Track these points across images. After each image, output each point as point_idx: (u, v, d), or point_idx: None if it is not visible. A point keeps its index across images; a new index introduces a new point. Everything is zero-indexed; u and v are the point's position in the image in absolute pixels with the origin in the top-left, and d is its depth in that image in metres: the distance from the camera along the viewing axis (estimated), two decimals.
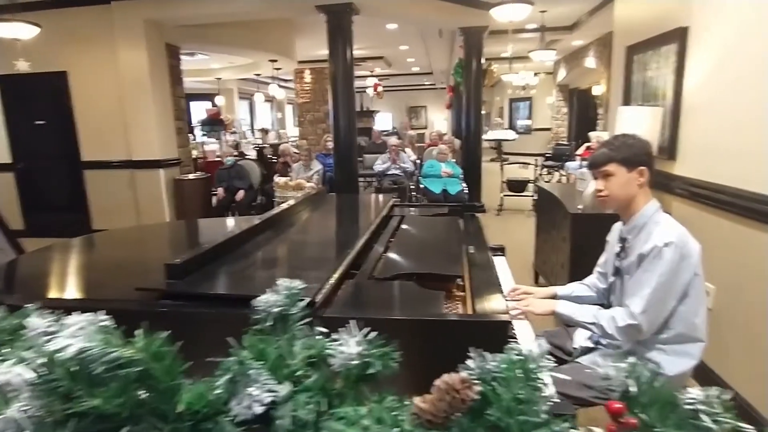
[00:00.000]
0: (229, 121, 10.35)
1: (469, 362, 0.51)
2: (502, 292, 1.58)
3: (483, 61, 7.14)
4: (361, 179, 7.50)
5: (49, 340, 0.54)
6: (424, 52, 10.75)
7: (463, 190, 6.55)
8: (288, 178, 6.33)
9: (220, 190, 6.29)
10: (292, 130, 15.31)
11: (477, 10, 6.35)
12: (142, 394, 0.48)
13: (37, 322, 0.54)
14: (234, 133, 11.06)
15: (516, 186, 7.37)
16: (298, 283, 0.59)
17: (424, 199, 6.53)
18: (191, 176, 6.28)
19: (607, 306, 1.85)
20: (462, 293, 1.64)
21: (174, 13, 5.58)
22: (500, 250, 2.37)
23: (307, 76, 11.38)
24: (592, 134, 8.47)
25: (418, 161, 8.04)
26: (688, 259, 1.54)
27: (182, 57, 6.56)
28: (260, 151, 8.80)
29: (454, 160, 7.09)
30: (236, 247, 1.67)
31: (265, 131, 13.68)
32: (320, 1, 5.38)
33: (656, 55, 3.06)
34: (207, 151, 7.55)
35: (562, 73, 12.06)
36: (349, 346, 0.47)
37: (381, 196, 3.37)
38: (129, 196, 5.98)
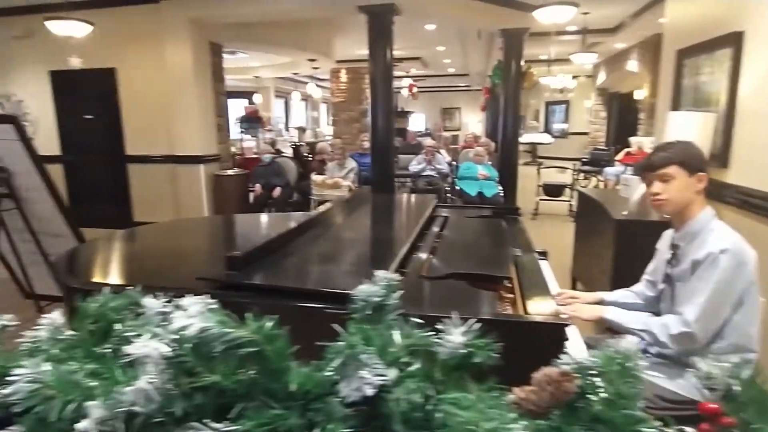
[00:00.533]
0: (266, 118, 10.55)
1: (563, 357, 0.52)
2: (551, 294, 1.58)
3: (522, 63, 7.05)
4: (395, 179, 7.52)
5: (164, 320, 0.58)
6: (461, 53, 10.70)
7: (498, 192, 6.50)
8: (325, 176, 6.42)
9: (258, 187, 6.42)
10: (325, 129, 15.48)
11: (518, 12, 6.29)
12: (256, 373, 0.51)
13: (152, 302, 0.59)
14: (270, 131, 11.28)
15: (552, 190, 7.26)
16: (395, 276, 0.62)
17: (459, 200, 6.51)
18: (230, 172, 6.44)
19: (656, 315, 1.82)
20: (510, 295, 1.65)
21: (218, 11, 5.73)
22: (543, 255, 2.35)
23: (343, 76, 11.48)
24: (633, 139, 8.26)
25: (454, 163, 8.01)
26: (745, 266, 1.50)
27: (224, 55, 6.73)
28: (296, 149, 8.94)
29: (490, 163, 7.03)
30: (289, 241, 1.72)
31: (302, 129, 13.89)
32: (362, 2, 5.43)
33: (709, 59, 2.97)
34: (245, 148, 7.72)
35: (602, 77, 11.79)
36: (454, 336, 0.50)
37: (422, 197, 3.38)
38: (169, 190, 6.17)
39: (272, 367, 0.51)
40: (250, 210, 6.23)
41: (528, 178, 7.85)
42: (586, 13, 6.65)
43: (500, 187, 6.59)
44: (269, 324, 0.52)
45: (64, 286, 1.54)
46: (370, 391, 0.47)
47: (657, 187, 1.63)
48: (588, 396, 0.48)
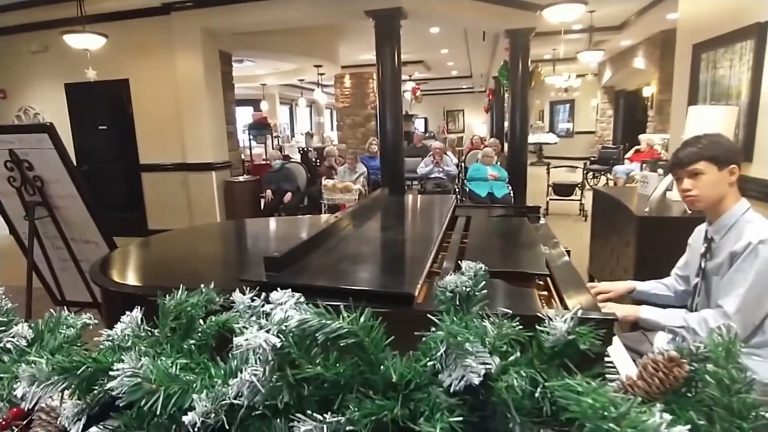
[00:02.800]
0: (272, 125, 10.61)
1: (666, 345, 0.51)
2: (588, 290, 1.57)
3: (529, 62, 7.05)
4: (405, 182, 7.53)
5: (257, 313, 0.58)
6: (464, 55, 10.72)
7: (508, 193, 6.50)
8: (335, 180, 6.43)
9: (269, 192, 6.45)
10: (331, 134, 15.54)
11: (525, 12, 6.30)
12: (355, 364, 0.51)
13: (241, 297, 0.59)
14: (278, 137, 11.33)
15: (562, 190, 7.24)
16: (482, 266, 0.61)
17: (469, 202, 6.50)
18: (241, 179, 6.47)
19: (688, 309, 1.80)
20: (545, 292, 1.63)
21: (229, 21, 5.78)
22: (567, 252, 2.34)
23: (348, 81, 11.53)
24: (642, 137, 8.24)
25: (462, 164, 8.01)
26: None
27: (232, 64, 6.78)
28: (305, 154, 8.97)
29: (499, 163, 7.03)
30: (321, 243, 1.72)
31: (309, 135, 13.94)
32: (369, 6, 5.46)
33: (729, 52, 2.95)
34: (254, 154, 7.76)
35: (607, 75, 11.77)
36: (558, 323, 0.49)
37: (440, 197, 3.38)
38: (183, 197, 6.21)
39: (371, 358, 0.50)
40: (262, 215, 6.24)
41: (537, 178, 7.83)
42: (592, 11, 6.66)
43: (510, 188, 6.58)
44: (366, 315, 0.52)
45: (105, 291, 1.55)
46: (476, 380, 0.46)
47: (687, 183, 1.60)
48: (697, 381, 0.47)
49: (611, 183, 8.43)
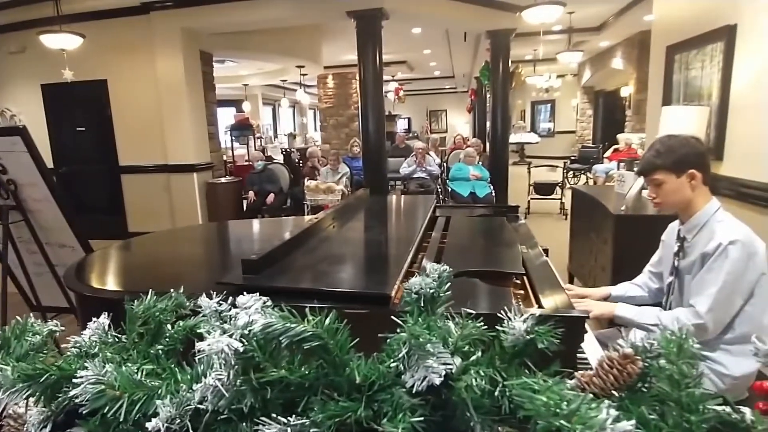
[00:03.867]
0: (255, 126, 10.53)
1: (621, 342, 0.53)
2: (563, 288, 1.60)
3: (510, 63, 7.13)
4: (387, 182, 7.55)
5: (220, 319, 0.58)
6: (446, 56, 10.78)
7: (490, 192, 6.56)
8: (318, 181, 6.41)
9: (251, 194, 6.41)
10: (314, 135, 15.50)
11: (505, 13, 6.37)
12: (320, 366, 0.51)
13: (208, 302, 0.59)
14: (260, 138, 11.25)
15: (543, 189, 7.34)
16: (447, 267, 0.62)
17: (451, 201, 6.55)
18: (223, 180, 6.41)
19: (662, 306, 1.84)
20: (521, 291, 1.66)
21: (210, 21, 5.72)
22: (544, 252, 2.38)
23: (330, 82, 11.51)
24: (620, 137, 8.38)
25: (444, 164, 8.07)
26: (755, 257, 1.51)
27: (213, 64, 6.72)
28: (287, 155, 8.93)
29: (481, 163, 7.09)
30: (300, 245, 1.72)
31: (292, 136, 13.87)
32: (351, 7, 5.46)
33: (701, 54, 3.03)
34: (237, 155, 7.69)
35: (587, 75, 11.96)
36: (517, 323, 0.50)
37: (422, 198, 3.40)
38: (164, 199, 6.13)
39: (336, 360, 0.51)
40: (245, 217, 6.20)
41: (518, 177, 7.92)
42: (571, 13, 6.76)
43: (492, 187, 6.64)
44: (330, 318, 0.52)
45: (80, 296, 1.53)
46: (437, 380, 0.48)
47: (651, 191, 1.65)
48: (651, 377, 0.49)
49: (591, 182, 8.57)
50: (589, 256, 3.66)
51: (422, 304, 0.58)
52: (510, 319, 0.52)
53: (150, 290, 0.66)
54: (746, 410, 0.52)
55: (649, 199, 1.72)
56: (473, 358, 0.51)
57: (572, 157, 10.39)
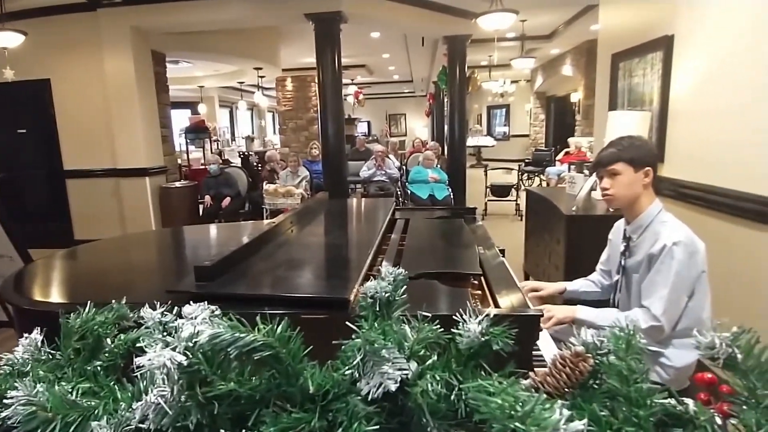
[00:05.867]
0: (211, 128, 10.24)
1: (573, 339, 0.54)
2: (520, 289, 1.63)
3: (466, 68, 7.28)
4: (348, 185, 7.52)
5: (165, 331, 0.55)
6: (405, 60, 10.89)
7: (449, 195, 6.66)
8: (277, 185, 6.30)
9: (207, 198, 6.22)
10: (273, 138, 15.25)
11: (461, 19, 6.50)
12: (272, 377, 0.49)
13: (151, 312, 0.55)
14: (217, 140, 10.95)
15: (499, 191, 7.52)
16: (402, 270, 0.62)
17: (411, 204, 6.60)
18: (178, 184, 6.20)
19: (611, 303, 1.92)
20: (478, 291, 1.68)
21: (161, 20, 5.52)
22: (501, 252, 2.43)
23: (289, 84, 11.37)
24: (571, 140, 8.73)
25: (404, 167, 8.13)
26: (696, 256, 1.59)
27: (167, 65, 6.49)
28: (245, 158, 8.73)
29: (439, 166, 7.20)
30: (257, 250, 1.68)
31: (250, 139, 13.57)
32: (309, 9, 5.41)
33: (643, 62, 3.19)
34: (192, 159, 7.46)
35: (539, 81, 12.37)
36: (472, 326, 0.50)
37: (382, 200, 3.40)
38: (114, 205, 5.86)
39: (289, 370, 0.49)
40: (201, 222, 6.01)
41: (476, 180, 8.08)
42: (523, 21, 6.98)
43: (450, 190, 6.75)
44: (282, 326, 0.50)
45: (17, 309, 1.42)
46: (393, 386, 0.47)
47: (606, 182, 1.71)
48: (601, 374, 0.50)
49: (544, 184, 8.86)
50: (543, 255, 3.77)
51: (378, 309, 0.57)
52: (465, 321, 0.51)
53: (88, 302, 0.61)
54: (689, 401, 0.54)
55: (600, 191, 1.78)
56: (429, 362, 0.50)
57: (526, 160, 10.71)
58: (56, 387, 0.48)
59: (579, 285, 2.03)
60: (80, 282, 1.77)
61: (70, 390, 0.49)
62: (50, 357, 0.58)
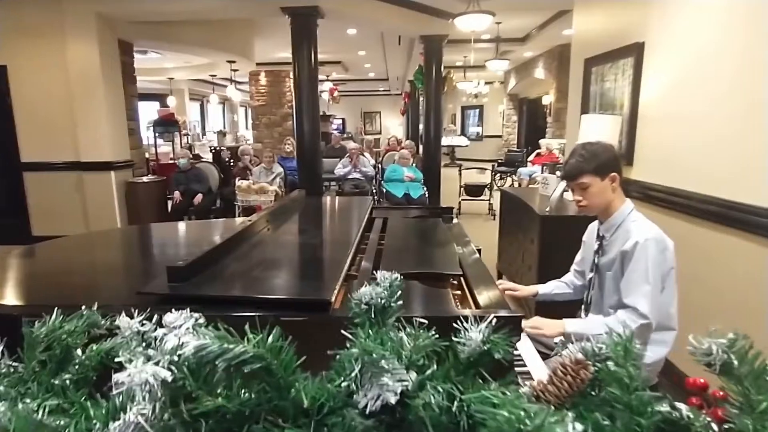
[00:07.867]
0: (181, 122, 9.96)
1: (570, 346, 0.53)
2: (498, 288, 1.63)
3: (442, 68, 7.31)
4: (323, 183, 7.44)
5: (142, 341, 0.51)
6: (381, 58, 10.86)
7: (424, 194, 6.68)
8: (249, 181, 6.17)
9: (177, 194, 6.03)
10: (246, 133, 14.96)
11: (438, 19, 6.51)
12: (263, 391, 0.46)
13: (128, 321, 0.51)
14: (187, 134, 10.65)
15: (473, 190, 7.59)
16: (398, 276, 0.59)
17: (386, 202, 6.59)
18: (145, 179, 5.98)
19: (583, 301, 1.95)
20: (458, 291, 1.68)
21: (129, 7, 5.31)
22: (477, 251, 2.44)
23: (263, 79, 11.17)
24: (542, 142, 8.91)
25: (379, 165, 8.11)
26: (666, 252, 1.65)
27: (135, 55, 6.25)
28: (217, 153, 8.53)
29: (415, 165, 7.21)
30: (232, 250, 1.62)
31: (222, 133, 13.27)
32: (285, 3, 5.31)
33: (614, 67, 3.26)
34: (160, 153, 7.22)
35: (512, 83, 12.56)
36: (474, 334, 0.48)
37: (358, 199, 3.36)
38: (76, 200, 5.60)
39: (280, 383, 0.46)
40: (169, 219, 5.82)
41: (450, 179, 8.13)
42: (499, 23, 7.05)
43: (425, 189, 6.77)
44: (273, 336, 0.47)
45: None
46: (393, 399, 0.44)
47: (578, 194, 1.75)
48: (599, 381, 0.49)
49: (516, 184, 9.00)
50: (517, 254, 3.82)
51: (373, 316, 0.54)
52: (467, 329, 0.49)
53: (55, 309, 0.56)
54: (683, 407, 0.54)
55: (573, 202, 1.81)
56: (429, 372, 0.48)
57: (499, 161, 10.86)
58: (19, 405, 0.43)
59: (551, 287, 2.06)
60: (41, 283, 1.66)
61: (35, 408, 0.44)
62: (11, 370, 0.52)
